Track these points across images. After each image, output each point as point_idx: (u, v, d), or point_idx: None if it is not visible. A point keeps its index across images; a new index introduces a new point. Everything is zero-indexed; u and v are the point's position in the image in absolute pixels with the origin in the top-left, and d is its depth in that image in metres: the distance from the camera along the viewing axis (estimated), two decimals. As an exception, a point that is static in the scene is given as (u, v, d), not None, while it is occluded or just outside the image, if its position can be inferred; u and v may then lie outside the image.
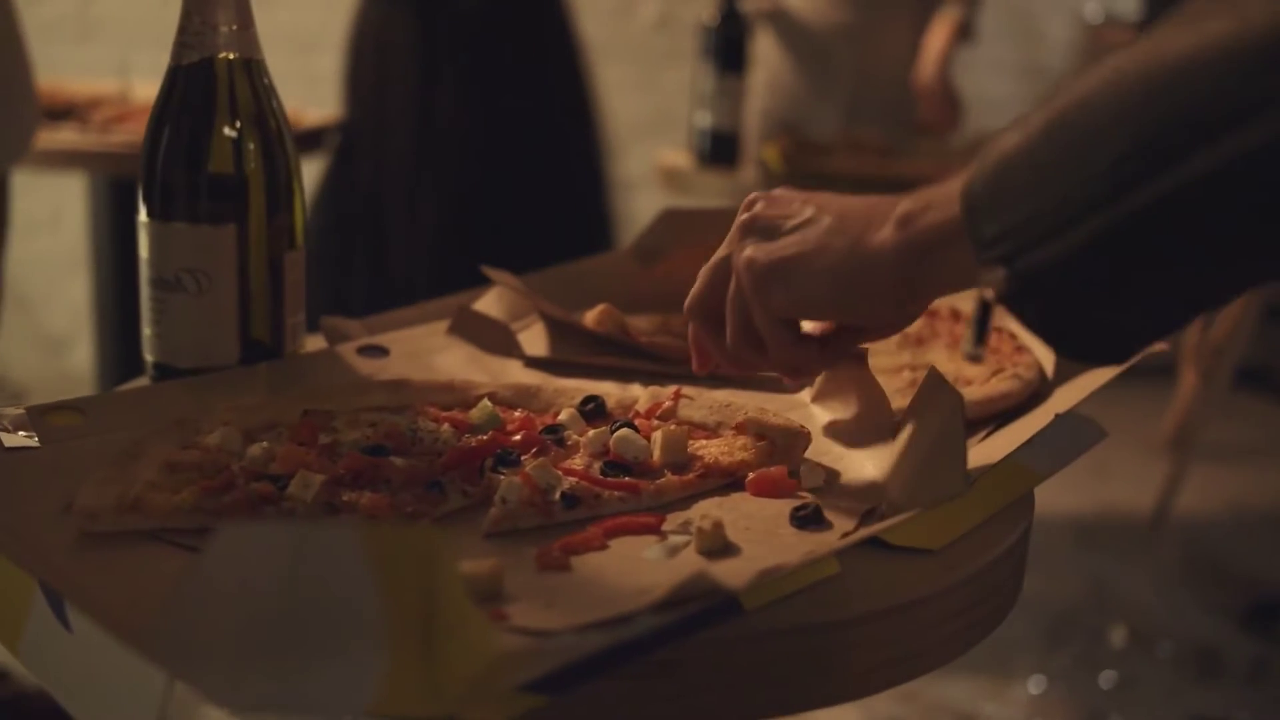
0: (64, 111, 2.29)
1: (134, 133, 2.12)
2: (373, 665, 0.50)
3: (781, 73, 2.70)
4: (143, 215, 0.91)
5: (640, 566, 0.66)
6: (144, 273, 0.91)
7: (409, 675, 0.50)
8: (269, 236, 0.91)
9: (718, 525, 0.68)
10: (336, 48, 2.74)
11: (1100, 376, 0.94)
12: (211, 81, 0.89)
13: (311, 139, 2.40)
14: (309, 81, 3.49)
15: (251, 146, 0.90)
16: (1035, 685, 2.30)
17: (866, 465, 0.80)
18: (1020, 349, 1.02)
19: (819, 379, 0.90)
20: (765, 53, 2.69)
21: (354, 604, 0.50)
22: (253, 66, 0.91)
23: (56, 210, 3.44)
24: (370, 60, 2.69)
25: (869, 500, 0.75)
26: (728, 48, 2.26)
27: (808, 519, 0.72)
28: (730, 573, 0.60)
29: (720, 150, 2.29)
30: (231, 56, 0.90)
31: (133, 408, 0.83)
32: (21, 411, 0.80)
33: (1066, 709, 2.24)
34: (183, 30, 0.90)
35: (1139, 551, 2.93)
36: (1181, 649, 2.44)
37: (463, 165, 2.68)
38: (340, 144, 2.66)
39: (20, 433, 0.78)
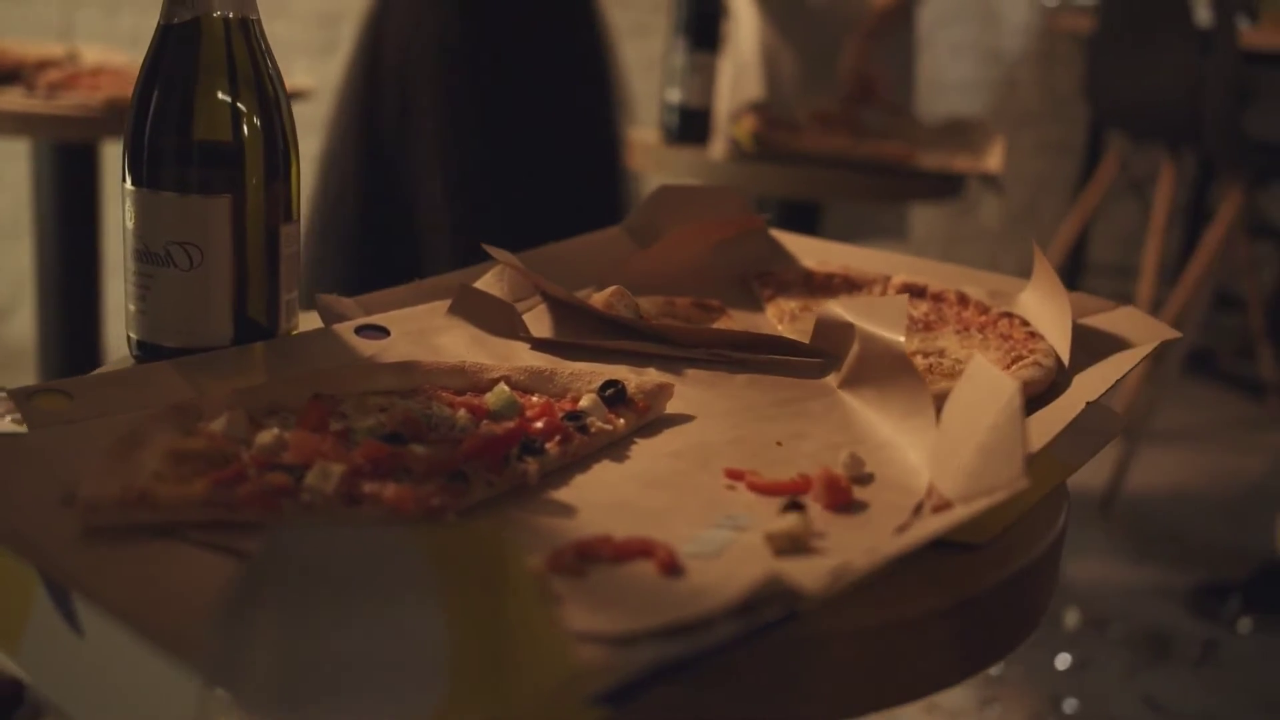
0: (10, 74, 2.19)
1: (82, 97, 2.03)
2: (433, 681, 0.46)
3: (752, 47, 2.66)
4: (128, 183, 0.85)
5: (688, 565, 0.62)
6: (128, 245, 0.85)
7: (473, 687, 0.46)
8: (266, 208, 0.86)
9: (800, 524, 0.64)
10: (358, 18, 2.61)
11: (1121, 364, 0.92)
12: (205, 42, 0.84)
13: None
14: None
15: (248, 112, 0.85)
16: (994, 668, 2.30)
17: (909, 456, 0.77)
18: (1033, 334, 0.99)
19: (848, 362, 0.87)
20: (738, 27, 2.64)
21: (415, 614, 0.46)
22: (249, 26, 0.85)
23: (-6, 175, 3.32)
24: (397, 20, 2.57)
25: (915, 494, 0.72)
26: (701, 23, 2.21)
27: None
28: (802, 572, 0.56)
29: (690, 127, 2.25)
30: (227, 15, 0.84)
31: (123, 390, 0.77)
32: (4, 395, 0.74)
33: (1024, 691, 2.24)
34: (174, -14, 0.84)
35: (1091, 534, 2.95)
36: (1133, 631, 2.46)
37: (483, 135, 2.55)
38: (338, 112, 2.53)
39: (6, 418, 0.73)
